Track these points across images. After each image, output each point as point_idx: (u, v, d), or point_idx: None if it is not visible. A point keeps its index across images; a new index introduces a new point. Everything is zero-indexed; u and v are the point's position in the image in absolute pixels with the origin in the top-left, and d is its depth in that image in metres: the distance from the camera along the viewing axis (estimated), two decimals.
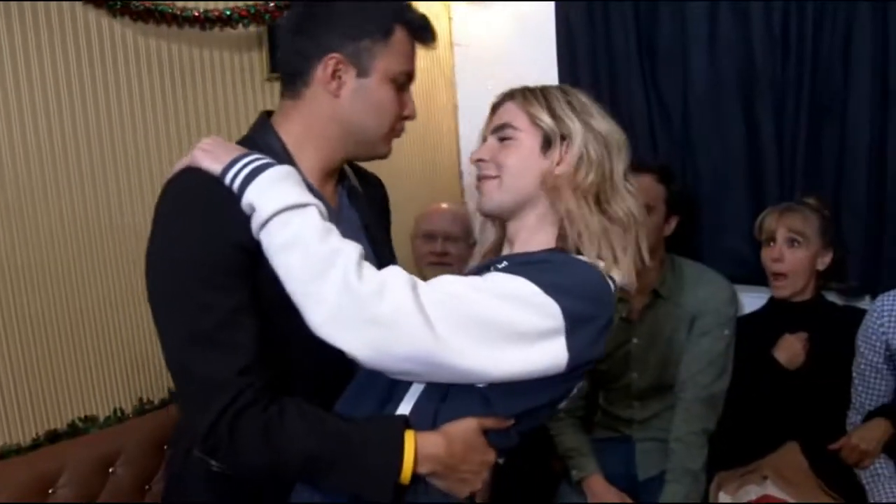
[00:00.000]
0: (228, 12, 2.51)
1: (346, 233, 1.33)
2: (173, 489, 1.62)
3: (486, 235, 1.63)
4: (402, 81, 1.52)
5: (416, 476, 1.33)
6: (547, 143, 1.47)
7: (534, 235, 1.49)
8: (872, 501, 2.35)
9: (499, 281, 1.34)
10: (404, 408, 1.37)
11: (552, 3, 3.19)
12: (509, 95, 1.54)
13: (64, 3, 2.25)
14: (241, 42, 2.70)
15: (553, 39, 3.20)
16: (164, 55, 2.50)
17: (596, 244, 1.42)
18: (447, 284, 1.32)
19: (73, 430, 2.33)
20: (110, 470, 2.31)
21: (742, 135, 2.89)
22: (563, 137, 1.46)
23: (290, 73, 1.50)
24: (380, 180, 1.80)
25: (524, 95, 1.51)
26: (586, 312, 1.34)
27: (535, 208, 1.49)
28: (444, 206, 3.03)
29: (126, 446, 2.35)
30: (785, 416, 2.58)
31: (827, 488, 2.43)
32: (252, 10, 2.55)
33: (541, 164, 1.47)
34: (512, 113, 1.51)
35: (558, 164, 1.46)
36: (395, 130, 1.55)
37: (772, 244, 2.65)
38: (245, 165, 1.34)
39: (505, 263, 1.43)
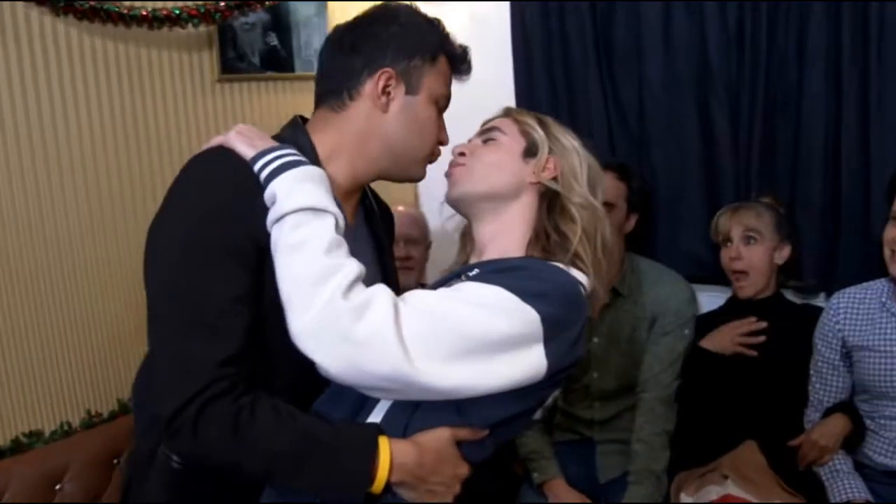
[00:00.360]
0: (177, 11, 2.48)
1: (358, 253, 1.33)
2: (133, 492, 1.56)
3: (463, 255, 1.63)
4: (443, 105, 1.56)
5: (385, 485, 1.29)
6: (530, 151, 1.52)
7: (505, 241, 1.50)
8: (832, 498, 2.36)
9: (474, 290, 1.33)
10: (376, 416, 1.34)
11: (507, 3, 3.16)
12: (506, 112, 1.60)
13: (4, 1, 2.18)
14: (191, 42, 2.66)
15: (508, 39, 3.17)
16: (111, 55, 2.45)
17: (571, 252, 1.45)
18: (425, 302, 1.30)
19: (17, 446, 2.28)
20: (57, 487, 2.26)
21: (698, 134, 2.89)
22: (550, 151, 1.51)
23: (336, 85, 1.50)
24: (388, 207, 1.80)
25: (519, 112, 1.59)
26: (564, 318, 1.34)
27: (509, 210, 1.51)
28: (402, 208, 2.99)
29: (73, 462, 2.30)
30: (742, 415, 2.59)
31: (786, 486, 2.43)
32: (202, 10, 2.52)
33: (520, 166, 1.51)
34: (503, 122, 1.57)
35: (544, 172, 1.50)
36: (433, 154, 1.56)
37: (728, 244, 2.67)
38: (278, 157, 1.34)
39: (476, 271, 1.42)
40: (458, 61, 1.56)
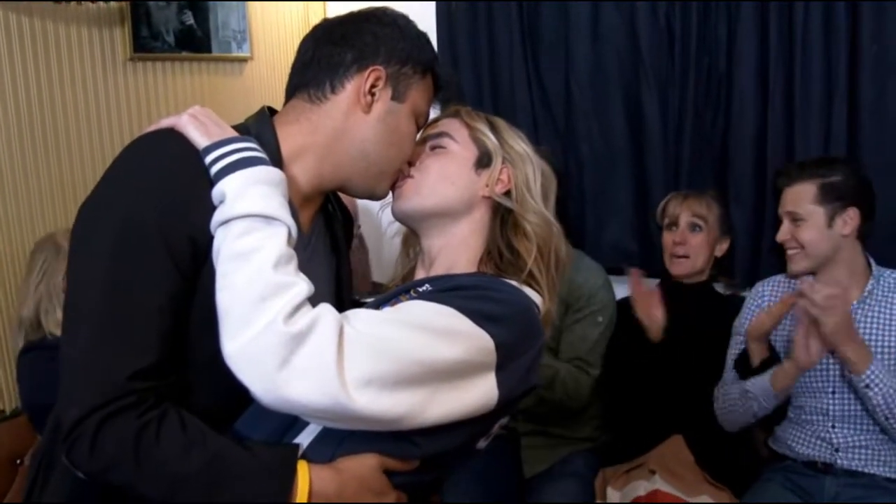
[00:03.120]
0: None
1: (311, 266, 1.24)
2: (35, 497, 1.40)
3: (405, 262, 1.55)
4: (421, 124, 1.48)
5: None
6: (482, 162, 1.43)
7: (457, 256, 1.42)
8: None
9: (424, 312, 1.23)
10: (305, 438, 1.24)
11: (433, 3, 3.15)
12: (454, 112, 1.50)
13: None
14: (102, 18, 2.54)
15: (434, 27, 3.13)
16: (14, 29, 2.32)
17: (533, 264, 1.37)
18: (371, 325, 1.18)
19: None
20: None
21: (626, 127, 2.92)
22: (503, 160, 1.43)
23: (319, 75, 1.39)
24: (349, 213, 1.69)
25: (468, 114, 1.48)
26: (519, 344, 1.27)
27: (460, 225, 1.43)
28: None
29: None
30: (667, 408, 2.60)
31: (713, 479, 2.45)
32: None
33: (471, 178, 1.42)
34: (452, 125, 1.47)
35: (497, 185, 1.42)
36: (402, 172, 1.46)
37: (674, 228, 2.71)
38: (235, 151, 1.22)
39: (427, 287, 1.33)
40: (444, 84, 1.48)
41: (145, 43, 2.70)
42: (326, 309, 1.15)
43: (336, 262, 1.55)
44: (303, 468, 1.20)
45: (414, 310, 1.23)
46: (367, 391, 1.11)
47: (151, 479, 1.16)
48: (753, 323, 2.36)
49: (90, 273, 1.21)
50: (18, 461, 2.26)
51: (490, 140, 1.44)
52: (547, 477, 2.62)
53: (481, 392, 1.22)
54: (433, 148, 1.45)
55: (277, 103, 1.44)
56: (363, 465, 1.24)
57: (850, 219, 2.27)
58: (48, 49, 2.41)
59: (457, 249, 1.42)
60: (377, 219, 1.55)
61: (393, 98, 1.40)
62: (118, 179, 1.25)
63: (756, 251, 2.78)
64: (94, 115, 2.53)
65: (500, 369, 1.23)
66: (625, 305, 2.79)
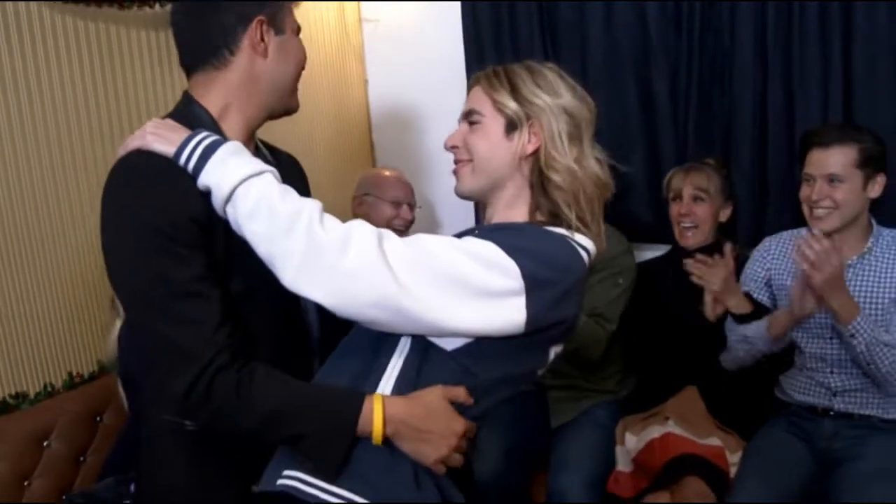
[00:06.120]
0: None
1: None
2: (146, 459, 1.66)
3: None
4: (298, 28, 1.65)
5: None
6: (511, 127, 1.52)
7: (509, 212, 1.56)
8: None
9: (464, 241, 1.42)
10: (385, 384, 1.44)
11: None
12: (476, 80, 1.60)
13: None
14: (159, 21, 2.62)
15: (459, 14, 3.31)
16: (81, 34, 2.43)
17: (571, 211, 1.49)
18: (414, 238, 1.40)
19: (5, 407, 2.32)
20: (45, 444, 2.34)
21: (638, 105, 3.10)
22: (528, 117, 1.51)
23: (213, 45, 1.55)
24: (292, 156, 1.86)
25: (489, 81, 1.56)
26: (546, 276, 1.40)
27: (507, 188, 1.55)
28: (393, 173, 3.15)
29: (58, 420, 2.38)
30: (682, 364, 2.78)
31: (722, 426, 2.65)
32: None
33: (507, 146, 1.53)
34: (478, 99, 1.57)
35: (528, 143, 1.51)
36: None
37: (679, 200, 2.87)
38: (197, 144, 1.40)
39: (476, 232, 1.50)
40: None
41: None
42: (357, 221, 1.38)
43: None
44: (374, 397, 1.41)
45: (457, 240, 1.44)
46: (413, 281, 1.32)
47: (251, 419, 1.39)
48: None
49: (130, 278, 1.43)
50: (98, 418, 2.45)
51: (510, 107, 1.51)
52: (572, 426, 2.78)
53: (508, 313, 1.38)
54: (471, 124, 1.57)
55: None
56: (430, 393, 1.42)
57: (878, 183, 2.43)
58: (112, 53, 2.51)
59: (507, 208, 1.56)
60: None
61: (277, 34, 1.57)
62: (120, 199, 1.45)
63: (758, 213, 2.95)
64: (156, 115, 2.60)
65: (528, 294, 1.38)
66: (646, 265, 2.99)
